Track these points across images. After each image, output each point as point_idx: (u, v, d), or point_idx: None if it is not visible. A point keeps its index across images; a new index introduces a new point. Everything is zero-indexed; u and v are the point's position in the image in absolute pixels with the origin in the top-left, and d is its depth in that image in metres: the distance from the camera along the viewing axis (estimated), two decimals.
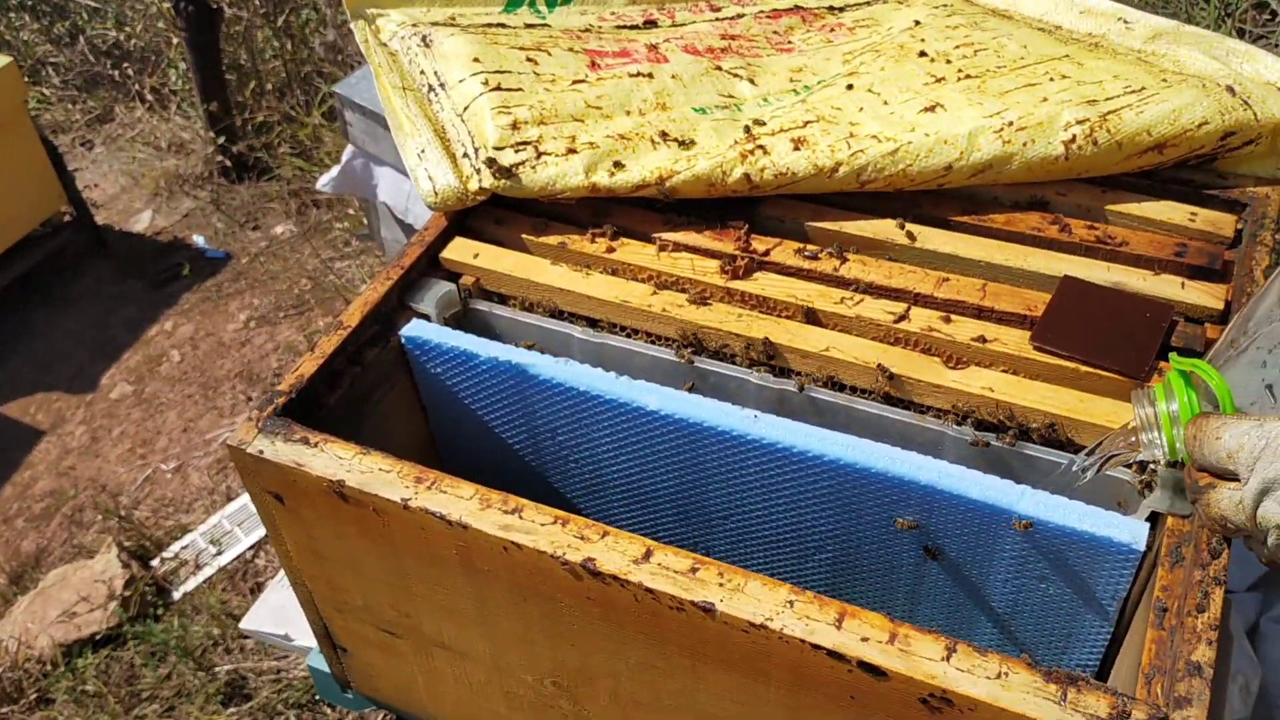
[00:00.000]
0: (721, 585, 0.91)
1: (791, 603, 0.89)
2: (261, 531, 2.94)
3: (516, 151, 1.22)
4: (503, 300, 1.26)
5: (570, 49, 1.37)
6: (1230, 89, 1.22)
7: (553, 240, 1.25)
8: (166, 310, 3.98)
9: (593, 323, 1.22)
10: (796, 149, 1.22)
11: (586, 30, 1.44)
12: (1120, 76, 1.25)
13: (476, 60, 1.30)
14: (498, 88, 1.27)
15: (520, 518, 0.97)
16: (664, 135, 1.25)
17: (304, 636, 1.84)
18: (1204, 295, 1.12)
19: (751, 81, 1.37)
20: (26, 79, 4.73)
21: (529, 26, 1.43)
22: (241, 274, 4.08)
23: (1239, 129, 1.20)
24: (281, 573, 2.44)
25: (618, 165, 1.22)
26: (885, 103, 1.28)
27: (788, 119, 1.27)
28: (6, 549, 3.21)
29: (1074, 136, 1.19)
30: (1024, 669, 0.84)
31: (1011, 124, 1.20)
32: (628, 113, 1.28)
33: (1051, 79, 1.26)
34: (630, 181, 1.22)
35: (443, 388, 1.22)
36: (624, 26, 1.48)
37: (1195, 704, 0.82)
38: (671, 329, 1.17)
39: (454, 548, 1.01)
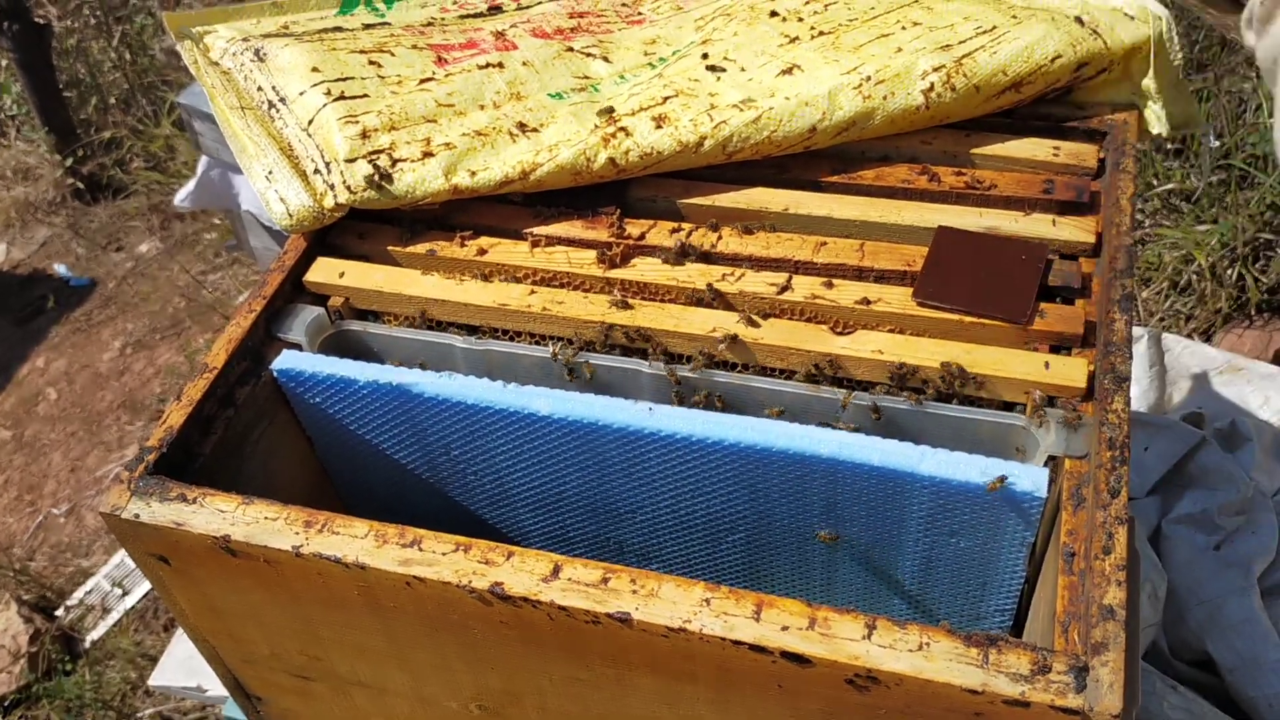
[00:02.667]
0: (635, 593, 0.89)
1: (708, 601, 0.88)
2: None
3: (370, 162, 1.17)
4: (376, 317, 1.21)
5: (414, 46, 1.31)
6: (1079, 19, 1.22)
7: (421, 249, 1.21)
8: (35, 347, 3.81)
9: (473, 330, 1.18)
10: (659, 127, 1.19)
11: (429, 24, 1.38)
12: (971, 18, 1.24)
13: (315, 70, 1.23)
14: (341, 96, 1.21)
15: (420, 550, 0.93)
16: (522, 126, 1.21)
17: (218, 686, 1.78)
18: (1076, 230, 1.12)
19: (605, 59, 1.33)
20: None
21: (368, 27, 1.36)
22: (110, 299, 3.92)
23: (1091, 59, 1.20)
24: None
25: (478, 164, 1.18)
26: (743, 69, 1.25)
27: (646, 96, 1.24)
28: None
29: (932, 85, 1.18)
30: (944, 637, 0.84)
31: (869, 79, 1.18)
32: (481, 107, 1.23)
33: (904, 27, 1.25)
34: (493, 179, 1.18)
35: (325, 417, 1.18)
36: (468, 15, 1.42)
37: (1112, 648, 0.83)
38: (554, 327, 1.14)
39: (355, 588, 0.97)
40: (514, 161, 1.18)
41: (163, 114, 4.19)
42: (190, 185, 2.99)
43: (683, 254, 1.16)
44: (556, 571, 0.91)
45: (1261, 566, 1.85)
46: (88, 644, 2.77)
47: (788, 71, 1.22)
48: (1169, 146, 2.40)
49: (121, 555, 2.94)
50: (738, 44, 1.30)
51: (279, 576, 0.99)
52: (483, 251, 1.19)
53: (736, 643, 0.86)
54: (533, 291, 1.15)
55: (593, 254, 1.17)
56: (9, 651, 2.67)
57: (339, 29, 1.35)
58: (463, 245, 1.20)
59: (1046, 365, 1.02)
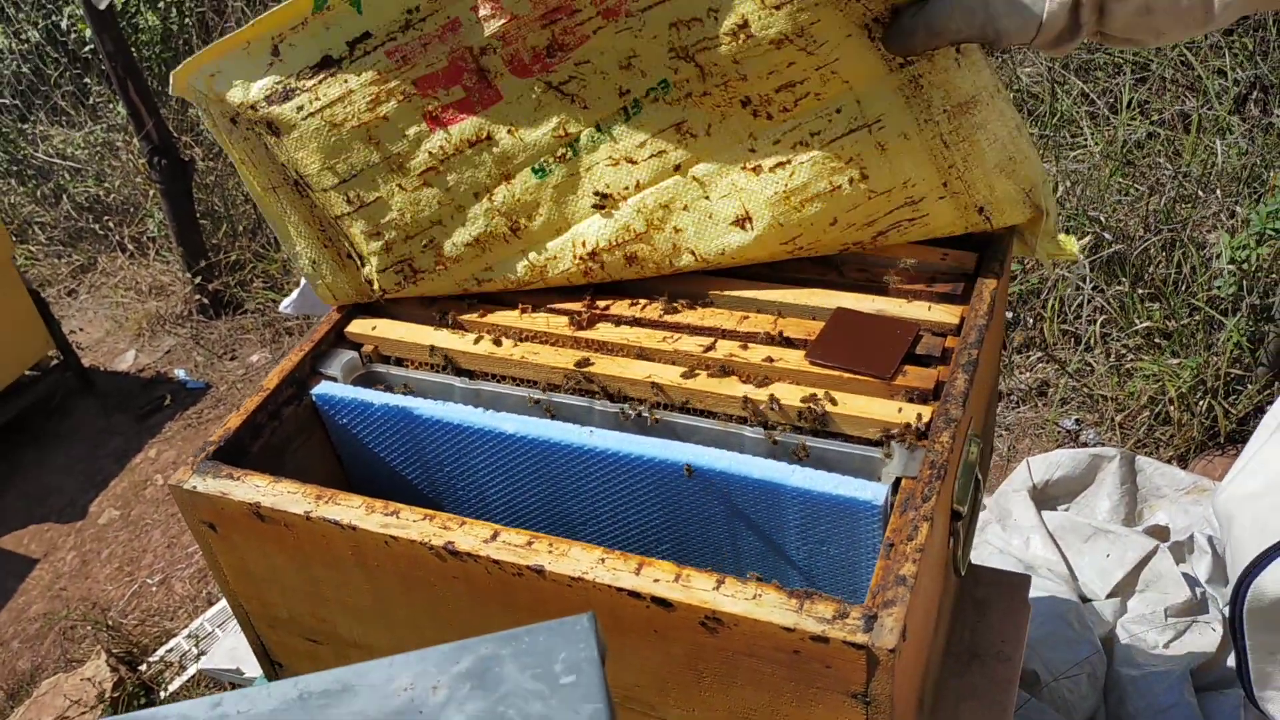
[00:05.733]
0: (550, 552, 1.17)
1: (603, 560, 1.15)
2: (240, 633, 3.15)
3: (396, 272, 1.51)
4: (398, 362, 1.54)
5: (403, 96, 1.41)
6: (981, 209, 1.44)
7: (436, 311, 1.54)
8: (150, 439, 4.25)
9: (470, 374, 1.50)
10: (629, 265, 1.49)
11: (408, 25, 1.38)
12: (910, 183, 1.42)
13: (329, 169, 1.44)
14: (360, 204, 1.48)
15: (397, 517, 1.23)
16: (514, 228, 1.49)
17: (253, 669, 2.06)
18: (945, 314, 1.40)
19: (584, 105, 1.42)
20: (15, 239, 5.09)
21: (353, 50, 1.39)
22: (220, 400, 4.37)
23: (976, 231, 1.48)
24: (235, 621, 2.66)
25: (482, 273, 1.51)
26: (706, 197, 1.45)
27: (621, 226, 1.46)
28: (3, 669, 3.42)
29: (847, 247, 1.47)
30: (774, 591, 1.10)
31: (801, 246, 1.46)
32: (476, 195, 1.47)
33: (851, 180, 1.42)
34: (495, 287, 1.51)
35: (350, 436, 1.49)
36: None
37: (898, 604, 1.07)
38: (530, 372, 1.45)
39: (349, 548, 1.26)
40: (514, 277, 1.50)
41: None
42: (294, 295, 3.41)
43: (634, 322, 1.47)
44: (495, 536, 1.20)
45: (1200, 661, 2.01)
46: (163, 696, 3.08)
47: (740, 223, 1.46)
48: (1144, 291, 2.64)
49: (201, 619, 3.27)
50: (710, 150, 1.44)
51: (294, 539, 1.30)
52: (484, 314, 1.52)
53: (619, 589, 1.13)
54: (516, 344, 1.47)
55: (566, 319, 1.49)
56: (95, 692, 2.99)
57: (329, 69, 1.40)
58: (469, 310, 1.53)
59: (900, 410, 1.29)
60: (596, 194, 1.47)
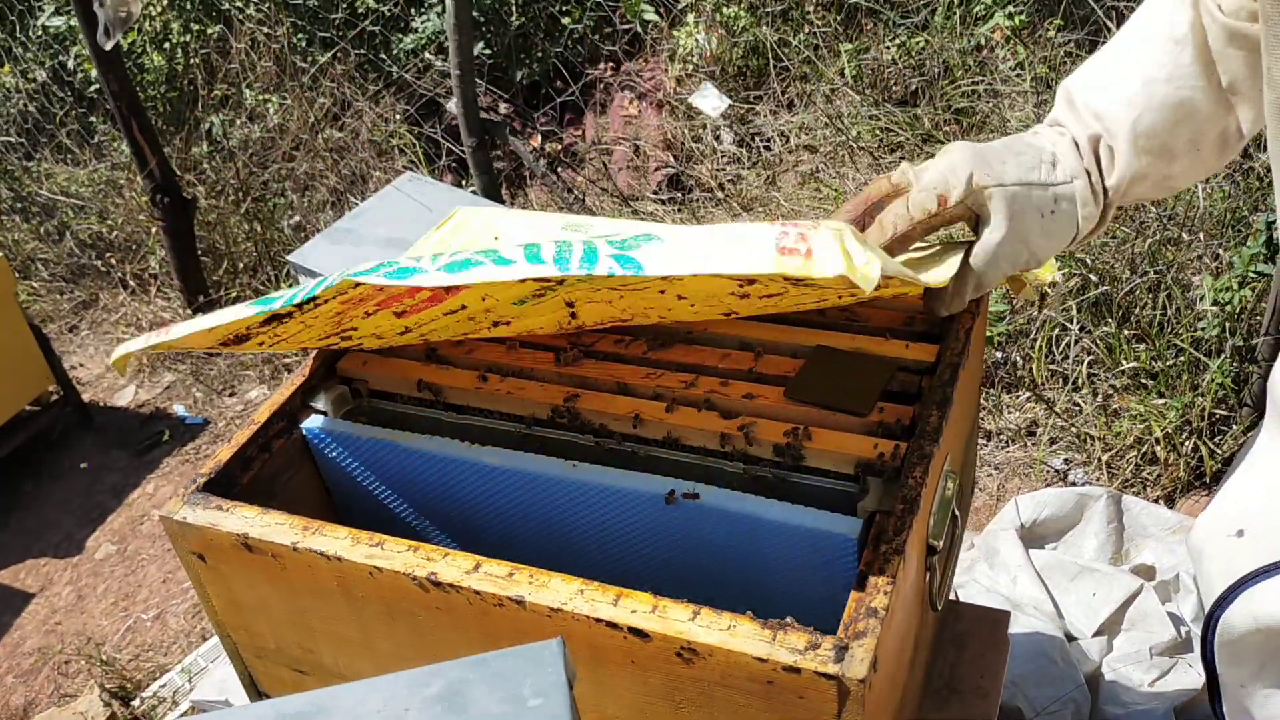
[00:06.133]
0: (530, 583, 1.19)
1: (582, 590, 1.18)
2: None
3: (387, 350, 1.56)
4: (388, 397, 1.57)
5: (367, 314, 1.35)
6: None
7: (425, 348, 1.57)
8: (148, 475, 4.27)
9: (458, 409, 1.53)
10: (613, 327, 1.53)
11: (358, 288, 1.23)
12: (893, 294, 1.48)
13: (304, 347, 1.50)
14: (343, 352, 1.52)
15: (382, 548, 1.26)
16: (496, 324, 1.48)
17: (241, 701, 2.07)
18: (921, 352, 1.43)
19: (560, 282, 1.31)
20: (17, 275, 5.13)
21: (303, 309, 1.29)
22: (219, 436, 4.39)
23: None
24: (224, 654, 2.66)
25: (469, 332, 1.53)
26: (692, 305, 1.43)
27: (607, 315, 1.47)
28: None
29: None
30: (748, 621, 1.12)
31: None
32: (458, 322, 1.44)
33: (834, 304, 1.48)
34: (483, 335, 1.54)
35: (339, 469, 1.52)
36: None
37: (869, 635, 1.09)
38: (516, 407, 1.48)
39: (334, 579, 1.29)
40: (499, 333, 1.54)
41: (283, 278, 4.75)
42: None
43: (621, 359, 1.50)
44: (477, 567, 1.22)
45: (1184, 699, 2.02)
46: None
47: (725, 314, 1.48)
48: (1131, 332, 2.68)
49: (194, 654, 3.28)
50: (687, 304, 1.42)
51: (281, 569, 1.32)
52: (471, 351, 1.55)
53: (597, 620, 1.15)
54: (503, 380, 1.50)
55: (552, 354, 1.52)
56: None
57: (280, 320, 1.33)
58: (458, 345, 1.56)
59: (875, 445, 1.31)
60: (576, 305, 1.43)
